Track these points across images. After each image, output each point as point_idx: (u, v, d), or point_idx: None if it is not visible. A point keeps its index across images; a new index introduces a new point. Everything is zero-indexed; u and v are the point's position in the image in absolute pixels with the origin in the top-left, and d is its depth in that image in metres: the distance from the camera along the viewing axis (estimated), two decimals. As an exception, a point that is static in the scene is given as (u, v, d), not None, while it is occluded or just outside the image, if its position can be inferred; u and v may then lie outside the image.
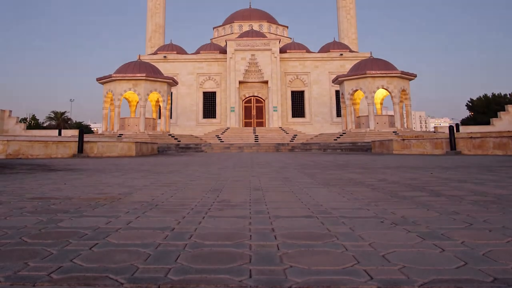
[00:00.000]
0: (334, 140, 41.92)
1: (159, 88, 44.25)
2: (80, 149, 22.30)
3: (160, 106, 46.23)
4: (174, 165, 13.69)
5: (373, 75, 42.34)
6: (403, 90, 43.46)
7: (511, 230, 3.03)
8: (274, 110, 59.50)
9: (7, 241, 2.84)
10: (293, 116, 62.01)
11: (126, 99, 46.55)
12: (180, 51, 64.89)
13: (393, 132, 40.25)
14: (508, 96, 79.71)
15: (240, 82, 60.41)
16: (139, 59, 49.26)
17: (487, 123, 53.75)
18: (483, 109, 77.54)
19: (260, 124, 61.24)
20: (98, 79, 44.84)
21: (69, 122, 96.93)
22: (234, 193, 5.59)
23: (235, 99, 59.76)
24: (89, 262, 2.36)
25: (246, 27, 73.20)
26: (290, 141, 47.44)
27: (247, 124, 61.30)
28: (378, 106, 47.43)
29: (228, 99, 60.03)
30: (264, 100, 61.77)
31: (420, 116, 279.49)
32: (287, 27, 79.03)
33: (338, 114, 59.46)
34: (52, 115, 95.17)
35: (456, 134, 23.61)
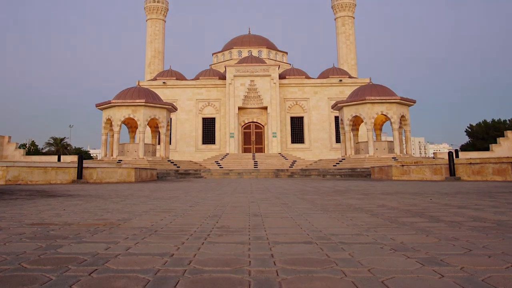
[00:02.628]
0: (334, 166, 41.87)
1: (159, 114, 44.32)
2: (80, 175, 22.28)
3: (159, 132, 46.30)
4: (174, 191, 13.67)
5: (372, 101, 42.42)
6: (403, 116, 43.52)
7: (511, 256, 3.03)
8: (273, 136, 59.56)
9: (6, 267, 2.84)
10: (293, 142, 62.04)
11: (126, 125, 46.59)
12: (180, 77, 65.16)
13: (393, 158, 40.21)
14: (508, 122, 79.88)
15: (239, 108, 60.53)
16: (138, 85, 49.43)
17: (487, 149, 53.79)
18: (483, 135, 77.65)
19: (260, 150, 61.24)
20: (97, 105, 44.93)
21: (68, 148, 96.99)
22: (233, 219, 5.59)
23: (235, 125, 59.84)
24: (88, 288, 2.36)
25: (245, 53, 73.64)
26: (290, 167, 47.41)
27: (246, 150, 61.30)
28: (378, 132, 47.53)
29: (227, 125, 60.11)
30: (263, 126, 61.86)
31: (419, 142, 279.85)
32: (286, 53, 79.50)
33: (338, 140, 59.50)
34: (52, 141, 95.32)
35: (456, 160, 23.61)
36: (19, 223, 5.14)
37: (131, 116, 43.04)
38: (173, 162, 44.40)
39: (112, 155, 43.88)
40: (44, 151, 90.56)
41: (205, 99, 62.62)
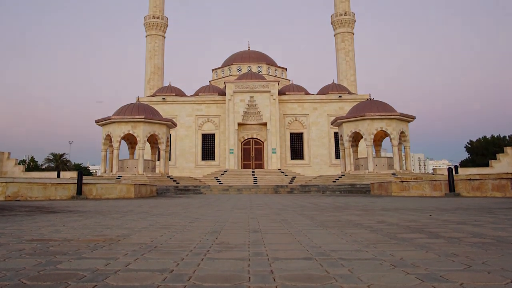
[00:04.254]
0: (333, 182, 41.80)
1: (158, 130, 44.31)
2: (79, 191, 22.26)
3: (159, 148, 46.24)
4: (173, 207, 13.66)
5: (372, 117, 42.41)
6: (402, 132, 43.47)
7: (510, 272, 3.03)
8: (273, 152, 59.50)
9: (5, 283, 2.84)
10: (292, 158, 61.96)
11: (125, 141, 46.56)
12: (179, 93, 65.17)
13: (392, 174, 40.11)
14: (507, 138, 80.00)
15: (239, 124, 60.53)
16: (138, 101, 49.51)
17: (486, 165, 53.74)
18: (482, 151, 77.75)
19: (259, 166, 61.15)
20: (97, 121, 44.91)
21: (68, 164, 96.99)
22: (233, 235, 5.59)
23: (234, 141, 59.82)
24: (88, 304, 2.36)
25: (245, 69, 73.74)
26: (289, 183, 47.34)
27: (246, 166, 61.19)
28: (377, 148, 47.48)
29: (227, 141, 60.07)
30: (263, 142, 61.83)
31: (419, 158, 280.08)
32: (286, 68, 79.61)
33: (337, 156, 59.32)
34: (51, 157, 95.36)
35: (455, 176, 23.59)
36: (19, 239, 5.14)
37: (131, 132, 43.02)
38: (172, 178, 44.37)
39: (111, 171, 43.80)
40: (43, 167, 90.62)
41: (205, 115, 62.64)
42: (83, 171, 32.69)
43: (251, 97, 60.48)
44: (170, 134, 54.57)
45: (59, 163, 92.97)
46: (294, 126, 62.56)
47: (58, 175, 45.06)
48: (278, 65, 78.82)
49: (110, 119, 43.03)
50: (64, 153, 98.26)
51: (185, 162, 61.37)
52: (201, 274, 3.06)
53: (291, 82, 70.27)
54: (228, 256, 3.86)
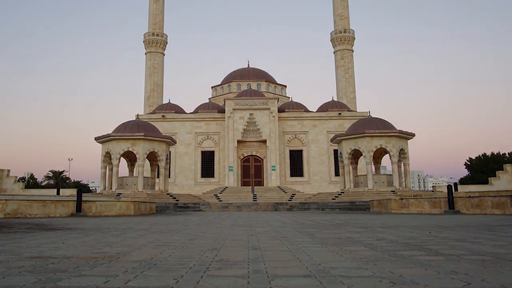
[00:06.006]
0: (333, 199, 41.73)
1: (158, 147, 44.29)
2: (79, 208, 22.23)
3: (158, 165, 46.16)
4: (173, 224, 13.64)
5: (371, 134, 42.45)
6: (402, 149, 43.46)
7: (509, 289, 3.03)
8: (272, 169, 59.51)
9: (6, 300, 2.84)
10: (292, 175, 61.94)
11: (125, 158, 46.49)
12: (179, 110, 65.29)
13: (392, 191, 40.09)
14: (507, 155, 79.98)
15: (238, 141, 60.61)
16: (138, 118, 49.57)
17: (486, 182, 53.71)
18: (482, 168, 77.61)
19: (259, 183, 61.09)
20: (96, 139, 44.88)
21: (67, 181, 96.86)
22: (233, 252, 5.59)
23: (234, 158, 59.86)
24: (88, 321, 2.36)
25: (244, 86, 73.72)
26: (289, 200, 47.22)
27: (245, 183, 61.12)
28: (377, 165, 47.45)
29: (226, 158, 60.11)
30: (262, 159, 61.86)
31: (418, 175, 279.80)
32: (285, 86, 79.55)
33: (337, 173, 59.21)
34: (51, 174, 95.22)
35: (455, 193, 23.56)
36: (18, 256, 5.13)
37: (130, 149, 42.98)
38: (172, 196, 44.27)
39: (111, 189, 43.69)
40: (43, 184, 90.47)
41: (204, 133, 62.72)
42: (82, 188, 32.54)
43: (251, 114, 60.63)
44: (170, 151, 54.53)
45: (58, 180, 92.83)
46: (293, 143, 62.63)
47: (58, 193, 44.95)
48: (278, 82, 78.85)
49: (110, 136, 43.03)
50: (63, 170, 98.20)
51: (185, 180, 61.34)
52: (200, 291, 3.06)
53: (290, 99, 70.44)
54: (227, 273, 3.87)
